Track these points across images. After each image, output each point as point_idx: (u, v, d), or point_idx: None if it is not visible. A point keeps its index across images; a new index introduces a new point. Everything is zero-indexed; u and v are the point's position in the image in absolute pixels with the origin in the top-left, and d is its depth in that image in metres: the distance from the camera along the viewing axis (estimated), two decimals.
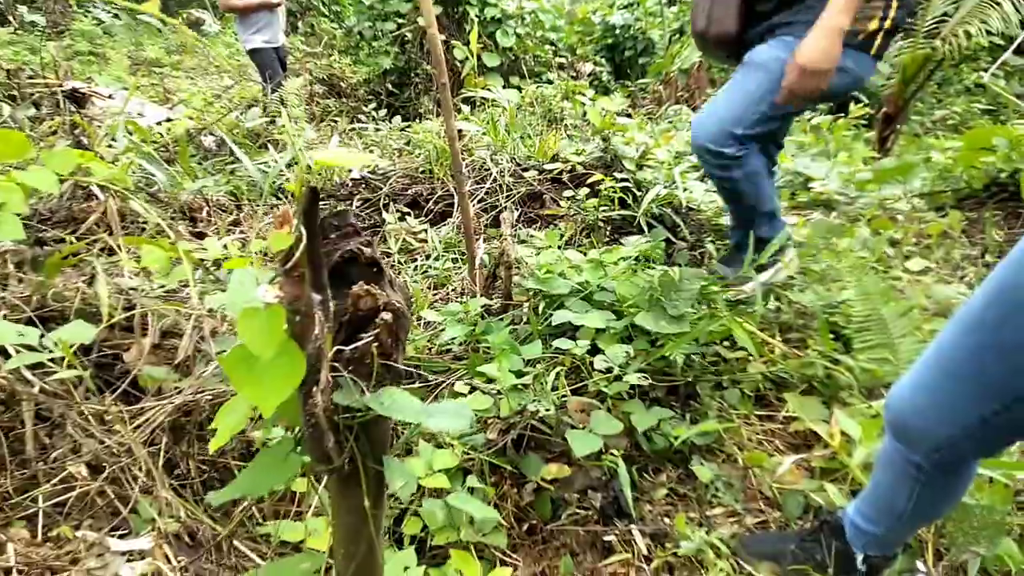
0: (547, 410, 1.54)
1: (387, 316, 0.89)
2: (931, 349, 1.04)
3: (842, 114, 5.61)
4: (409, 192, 3.20)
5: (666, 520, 1.55)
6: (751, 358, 1.89)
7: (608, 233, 2.99)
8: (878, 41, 1.87)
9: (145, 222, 2.31)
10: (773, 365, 1.89)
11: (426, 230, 2.91)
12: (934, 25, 5.32)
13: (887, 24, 1.84)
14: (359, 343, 0.87)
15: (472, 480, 1.43)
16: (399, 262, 2.72)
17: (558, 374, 1.74)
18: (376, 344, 0.88)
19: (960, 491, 1.16)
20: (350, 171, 3.18)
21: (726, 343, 1.97)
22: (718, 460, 1.69)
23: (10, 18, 11.47)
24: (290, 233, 0.69)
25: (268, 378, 0.76)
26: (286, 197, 3.04)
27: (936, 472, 1.10)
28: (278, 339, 0.75)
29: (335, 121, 6.45)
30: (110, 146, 2.84)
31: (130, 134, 3.32)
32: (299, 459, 0.88)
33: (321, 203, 3.11)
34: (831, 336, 1.97)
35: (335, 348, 0.85)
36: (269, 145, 3.61)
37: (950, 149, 3.71)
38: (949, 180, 3.55)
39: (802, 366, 1.86)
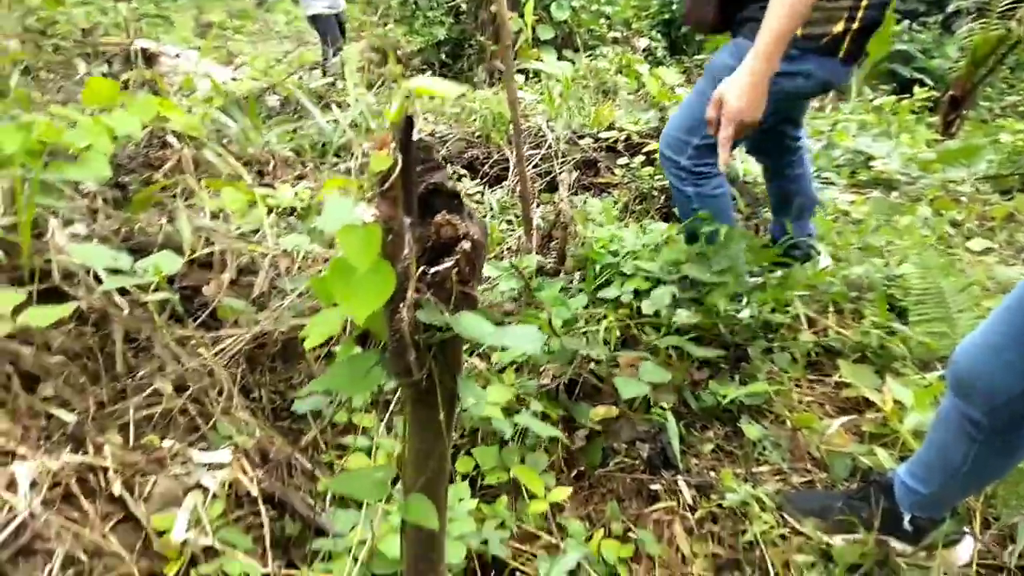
0: (598, 358, 1.58)
1: (466, 245, 0.94)
2: (1000, 309, 1.07)
3: (906, 95, 5.44)
4: (465, 155, 3.25)
5: (712, 474, 1.58)
6: (802, 326, 1.90)
7: (661, 201, 3.00)
8: (846, 44, 1.74)
9: (218, 171, 2.41)
10: (825, 334, 1.90)
11: (482, 192, 2.96)
12: (1010, 5, 5.12)
13: (855, 25, 1.71)
14: (441, 267, 0.92)
15: (535, 405, 1.48)
16: None
17: (608, 328, 1.78)
18: (455, 270, 0.94)
19: (1017, 455, 1.17)
20: None
21: (775, 312, 1.98)
22: (767, 420, 1.71)
23: None
24: (388, 156, 0.74)
25: (362, 290, 0.82)
26: (346, 157, 3.11)
27: (994, 432, 1.12)
28: (374, 254, 0.81)
29: (392, 85, 6.52)
30: (183, 100, 2.95)
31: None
32: (380, 372, 0.95)
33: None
34: (887, 308, 1.97)
35: (419, 270, 0.91)
36: (332, 105, 3.70)
37: (1019, 132, 3.58)
38: (1017, 163, 3.44)
39: (856, 335, 1.87)
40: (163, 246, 1.64)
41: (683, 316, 1.69)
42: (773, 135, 2.12)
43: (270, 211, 1.84)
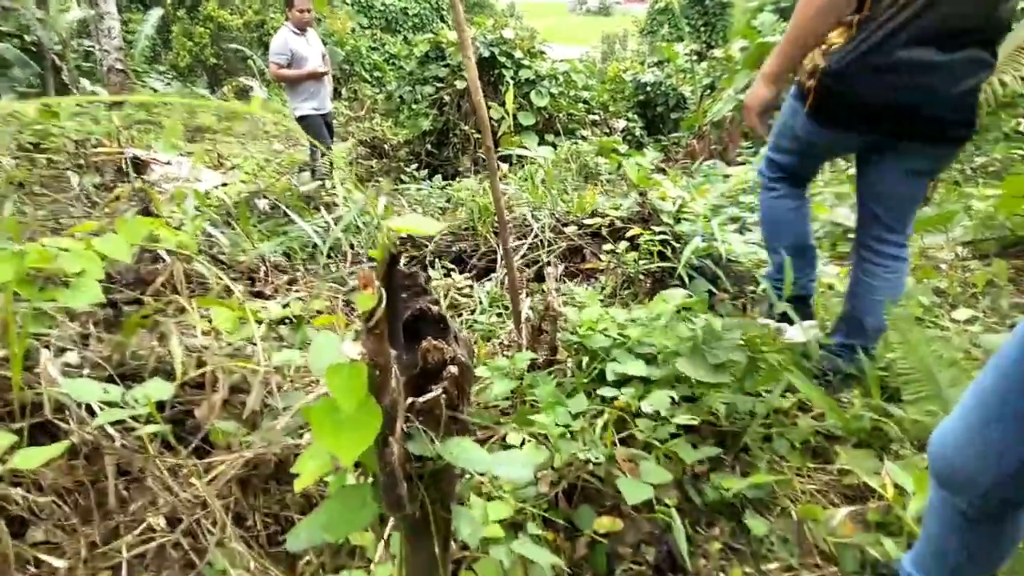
0: (597, 460, 1.57)
1: (453, 369, 0.96)
2: (970, 394, 1.05)
3: None
4: (453, 249, 3.30)
5: (722, 575, 1.55)
6: (798, 412, 1.90)
7: (648, 286, 3.04)
8: (809, 99, 1.89)
9: (207, 281, 2.43)
10: (822, 418, 1.90)
11: (471, 285, 3.00)
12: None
13: (811, 83, 1.87)
14: (429, 395, 0.93)
15: (532, 528, 1.46)
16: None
17: (605, 424, 1.77)
18: (444, 396, 0.95)
19: (1011, 541, 1.15)
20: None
21: (770, 393, 1.98)
22: (772, 513, 1.68)
23: (74, 90, 12.23)
24: (373, 294, 0.76)
25: (349, 429, 0.82)
26: (336, 257, 3.16)
27: (983, 520, 1.10)
28: (361, 394, 0.81)
29: (379, 181, 6.67)
30: (173, 212, 3.01)
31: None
32: (374, 506, 0.94)
33: (368, 260, 3.19)
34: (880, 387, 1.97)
35: (407, 400, 0.91)
36: (321, 208, 3.78)
37: (991, 197, 3.69)
38: (992, 228, 3.53)
39: (851, 419, 1.86)
40: (155, 371, 1.65)
41: (681, 417, 1.69)
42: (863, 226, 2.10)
43: (260, 323, 1.85)
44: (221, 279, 2.07)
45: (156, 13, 13.80)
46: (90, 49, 13.58)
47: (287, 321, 2.04)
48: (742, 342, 1.88)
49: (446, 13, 20.02)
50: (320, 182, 4.02)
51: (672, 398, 1.74)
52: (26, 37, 12.19)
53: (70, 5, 15.63)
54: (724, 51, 12.75)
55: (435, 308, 0.94)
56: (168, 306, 1.94)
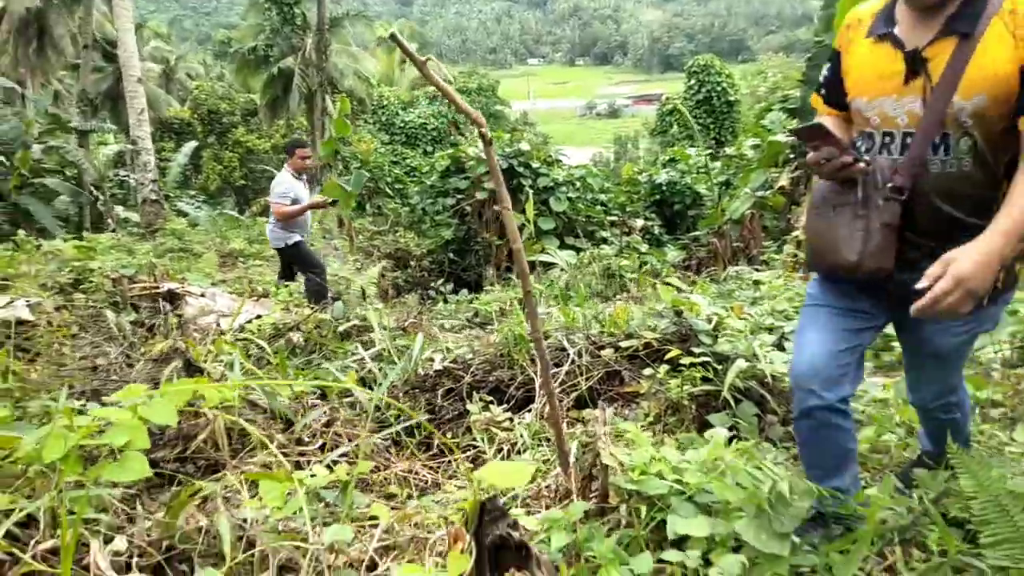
0: None
1: None
2: None
3: None
4: (491, 379, 3.27)
5: None
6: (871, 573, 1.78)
7: (694, 411, 2.96)
8: None
9: (248, 433, 2.41)
10: (894, 571, 1.78)
11: (511, 418, 2.94)
12: None
13: None
14: None
15: None
16: (486, 454, 2.73)
17: None
18: None
19: None
20: (431, 362, 3.30)
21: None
22: None
23: (109, 219, 12.77)
24: (463, 552, 0.73)
25: None
26: (375, 386, 3.13)
27: None
28: None
29: (405, 297, 6.76)
30: (212, 356, 3.03)
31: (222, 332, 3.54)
32: None
33: (405, 396, 3.16)
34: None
35: None
36: (352, 335, 3.81)
37: None
38: None
39: (927, 571, 1.74)
40: (203, 554, 1.59)
41: None
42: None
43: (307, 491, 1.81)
44: (262, 433, 2.04)
45: (190, 145, 14.57)
46: (124, 178, 14.28)
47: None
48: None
49: (463, 126, 20.92)
50: (346, 315, 4.07)
51: (743, 564, 1.65)
52: (67, 171, 12.87)
53: (107, 139, 16.62)
54: (735, 148, 13.10)
55: (516, 534, 0.90)
56: (211, 472, 1.90)
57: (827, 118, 1.85)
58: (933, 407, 2.05)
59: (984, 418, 2.82)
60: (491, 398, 3.14)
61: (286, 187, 5.80)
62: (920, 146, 1.61)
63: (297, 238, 5.88)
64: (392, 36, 1.82)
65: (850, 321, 1.83)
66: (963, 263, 1.45)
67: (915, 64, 1.60)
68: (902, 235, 1.65)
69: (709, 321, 3.41)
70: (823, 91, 1.88)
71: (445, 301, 6.77)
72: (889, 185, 1.62)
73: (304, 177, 5.96)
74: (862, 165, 1.63)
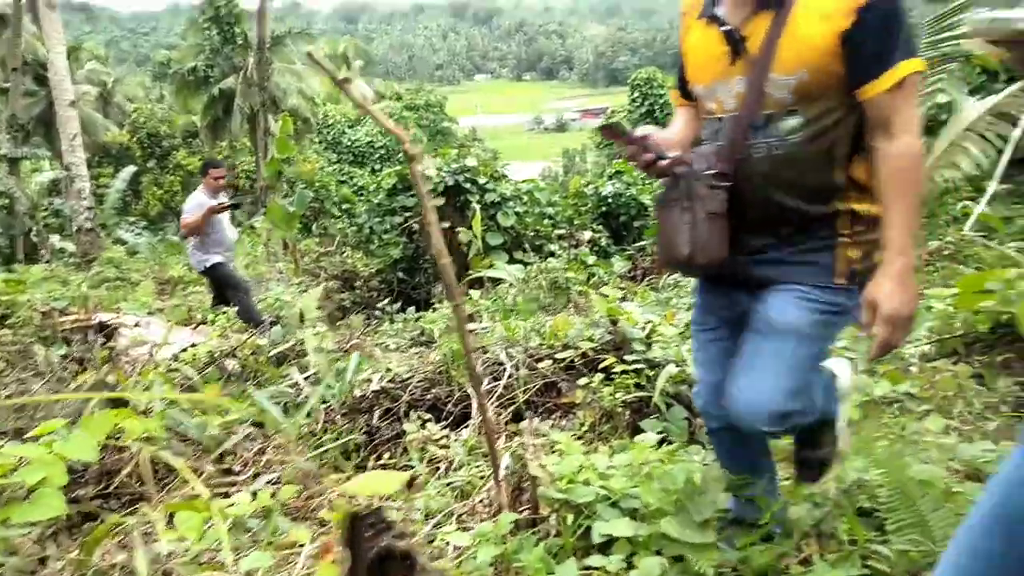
0: None
1: None
2: (950, 551, 1.06)
3: None
4: (428, 397, 3.28)
5: None
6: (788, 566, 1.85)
7: (627, 417, 3.02)
8: None
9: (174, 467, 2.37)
10: (809, 563, 1.85)
11: (448, 436, 2.95)
12: None
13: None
14: None
15: None
16: (423, 475, 2.73)
17: None
18: None
19: None
20: (369, 382, 3.29)
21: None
22: None
23: (43, 249, 12.35)
24: (335, 562, 0.75)
25: None
26: (310, 418, 3.11)
27: None
28: None
29: (349, 320, 6.70)
30: (140, 387, 2.97)
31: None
32: None
33: (343, 418, 3.14)
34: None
35: None
36: (290, 358, 3.77)
37: (948, 296, 3.79)
38: (954, 326, 3.61)
39: (838, 561, 1.82)
40: None
41: None
42: None
43: (228, 520, 1.79)
44: (187, 472, 2.01)
45: (129, 170, 14.21)
46: (59, 207, 13.84)
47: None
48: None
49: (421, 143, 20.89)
50: (284, 337, 4.02)
51: (663, 565, 1.69)
52: None
53: (42, 165, 16.09)
54: None
55: (401, 544, 0.92)
56: (132, 505, 1.87)
57: (684, 111, 1.80)
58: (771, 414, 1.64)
59: (902, 411, 2.94)
60: (429, 416, 3.15)
61: (195, 203, 5.71)
62: (737, 128, 1.54)
63: (217, 259, 5.75)
64: (308, 55, 1.82)
65: (727, 339, 1.77)
66: (884, 304, 1.44)
67: (736, 43, 1.52)
68: (739, 223, 1.56)
69: (643, 329, 3.49)
70: (679, 84, 1.80)
71: (391, 321, 6.74)
72: (710, 172, 1.54)
73: (220, 196, 5.89)
74: (667, 162, 1.56)
